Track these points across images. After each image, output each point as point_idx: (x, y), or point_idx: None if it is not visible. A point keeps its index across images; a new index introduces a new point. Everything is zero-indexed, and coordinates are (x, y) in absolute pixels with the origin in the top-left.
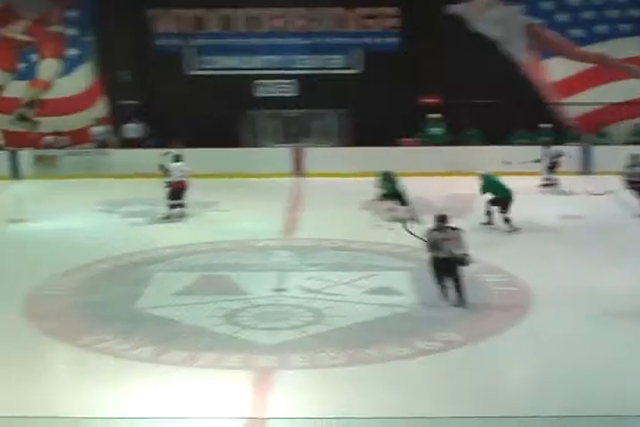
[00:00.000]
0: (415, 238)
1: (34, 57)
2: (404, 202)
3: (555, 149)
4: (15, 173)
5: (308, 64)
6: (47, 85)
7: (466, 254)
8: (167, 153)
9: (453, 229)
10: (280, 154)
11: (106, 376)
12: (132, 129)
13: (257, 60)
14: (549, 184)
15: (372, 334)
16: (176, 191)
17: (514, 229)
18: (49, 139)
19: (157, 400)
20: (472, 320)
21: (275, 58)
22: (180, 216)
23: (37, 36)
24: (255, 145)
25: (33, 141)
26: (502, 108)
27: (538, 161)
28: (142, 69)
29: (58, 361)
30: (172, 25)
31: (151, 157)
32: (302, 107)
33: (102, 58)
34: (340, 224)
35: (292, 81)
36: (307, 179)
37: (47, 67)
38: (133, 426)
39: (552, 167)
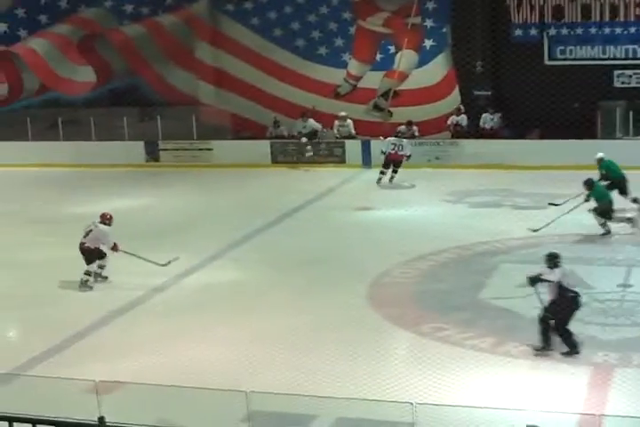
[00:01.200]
0: None
1: (391, 48)
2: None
3: None
4: (367, 162)
5: None
6: (404, 76)
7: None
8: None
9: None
10: (636, 146)
11: (444, 364)
12: (488, 119)
13: (616, 50)
14: None
15: None
16: (387, 161)
17: None
18: (402, 128)
19: (493, 391)
20: None
21: (636, 47)
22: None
23: (396, 27)
24: (611, 137)
25: (386, 131)
26: None
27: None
28: (497, 59)
29: (397, 347)
30: (531, 15)
31: (504, 147)
32: None
33: (457, 48)
34: None
35: None
36: None
37: (404, 58)
38: (470, 414)
39: None
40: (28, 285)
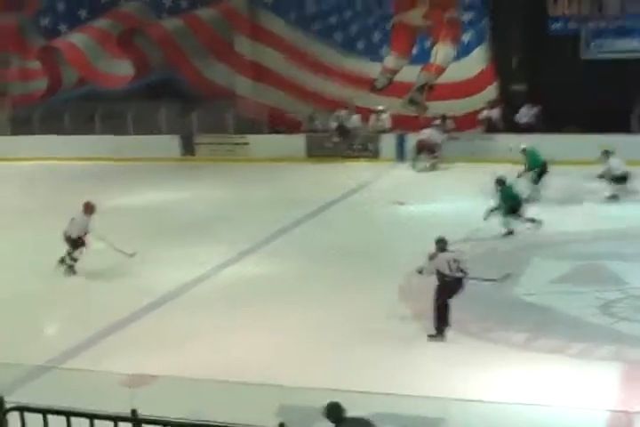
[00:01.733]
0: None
1: (428, 42)
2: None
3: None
4: (401, 156)
5: None
6: (441, 70)
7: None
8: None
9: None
10: None
11: (475, 360)
12: (525, 113)
13: None
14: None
15: None
16: (418, 147)
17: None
18: (436, 123)
19: (524, 386)
20: None
21: None
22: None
23: (434, 21)
24: None
25: (421, 125)
26: None
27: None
28: (535, 53)
29: (427, 343)
30: (570, 8)
31: (540, 142)
32: None
33: (495, 42)
34: None
35: None
36: None
37: (442, 51)
38: (496, 410)
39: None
40: (65, 278)
